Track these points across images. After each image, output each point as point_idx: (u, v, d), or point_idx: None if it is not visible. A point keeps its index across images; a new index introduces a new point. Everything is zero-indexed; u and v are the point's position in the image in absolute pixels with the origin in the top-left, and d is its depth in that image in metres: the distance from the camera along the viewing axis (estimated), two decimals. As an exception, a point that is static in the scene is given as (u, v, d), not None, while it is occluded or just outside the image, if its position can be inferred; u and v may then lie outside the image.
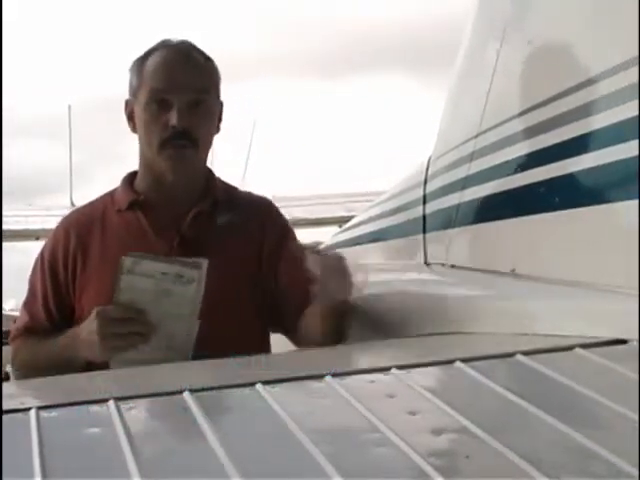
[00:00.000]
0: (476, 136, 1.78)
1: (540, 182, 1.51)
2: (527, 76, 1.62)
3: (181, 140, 1.74)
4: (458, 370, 1.13)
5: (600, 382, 1.03)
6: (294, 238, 1.96)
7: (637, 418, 0.89)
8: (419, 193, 2.18)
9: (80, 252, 1.81)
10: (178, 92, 1.75)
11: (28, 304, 1.89)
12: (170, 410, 1.06)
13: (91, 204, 1.94)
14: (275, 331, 1.87)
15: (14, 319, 1.98)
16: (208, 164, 1.93)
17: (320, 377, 1.12)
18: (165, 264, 1.64)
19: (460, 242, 1.88)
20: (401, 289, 2.06)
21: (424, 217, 2.12)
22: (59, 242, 1.85)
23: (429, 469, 0.81)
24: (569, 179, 1.43)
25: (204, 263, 1.63)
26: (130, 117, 1.83)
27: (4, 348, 1.94)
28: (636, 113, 1.24)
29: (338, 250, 1.98)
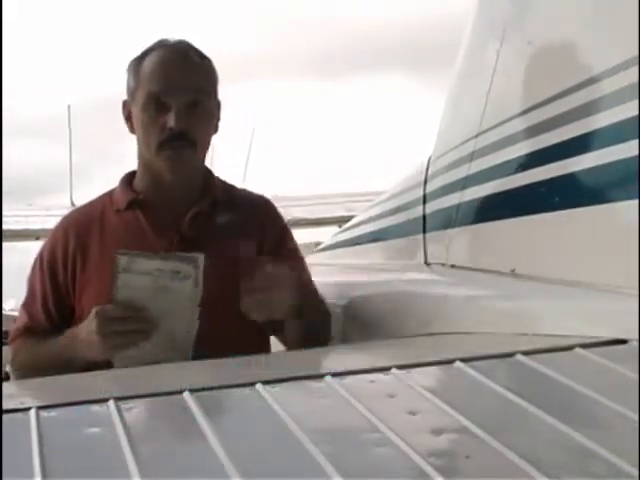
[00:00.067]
0: (476, 136, 1.78)
1: (540, 182, 1.51)
2: (527, 76, 1.62)
3: (179, 141, 1.74)
4: (458, 370, 1.13)
5: (600, 382, 1.03)
6: (292, 238, 1.98)
7: (637, 418, 0.89)
8: (419, 193, 2.18)
9: (79, 252, 1.81)
10: (176, 93, 1.74)
11: (27, 304, 1.89)
12: (170, 410, 1.06)
13: (90, 204, 1.94)
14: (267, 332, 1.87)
15: (14, 319, 1.98)
16: (208, 165, 1.94)
17: (320, 377, 1.12)
18: (161, 261, 1.63)
19: (460, 242, 1.88)
20: (401, 289, 2.06)
21: (424, 217, 2.12)
22: (58, 242, 1.85)
23: (429, 469, 0.81)
24: (569, 179, 1.43)
25: (200, 258, 1.63)
26: (128, 118, 1.83)
27: (4, 348, 1.94)
28: (636, 113, 1.24)
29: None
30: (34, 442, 0.91)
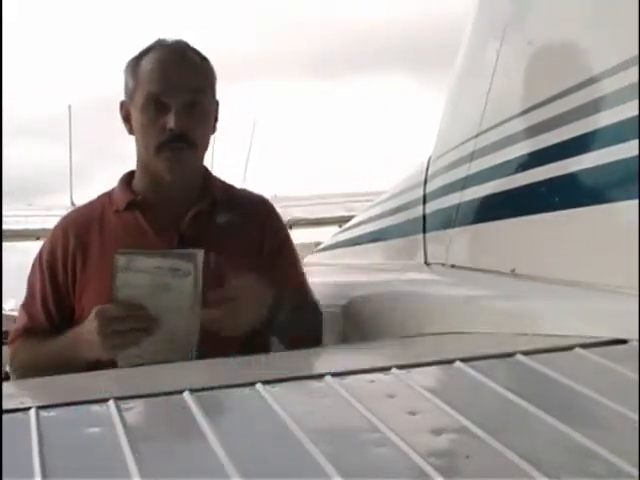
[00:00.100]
0: (476, 136, 1.78)
1: (540, 182, 1.51)
2: (527, 76, 1.62)
3: (179, 142, 1.75)
4: (458, 370, 1.13)
5: (600, 382, 1.03)
6: (290, 239, 1.99)
7: (637, 418, 0.89)
8: (419, 193, 2.17)
9: (79, 252, 1.81)
10: (175, 94, 1.74)
11: (27, 305, 1.89)
12: (170, 410, 1.06)
13: (89, 204, 1.94)
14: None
15: (14, 319, 1.98)
16: (208, 165, 1.94)
17: (320, 377, 1.12)
18: (159, 258, 1.63)
19: (460, 242, 1.88)
20: (401, 289, 2.06)
21: (424, 217, 2.12)
22: (58, 242, 1.84)
23: (429, 469, 0.81)
24: (569, 179, 1.43)
25: (199, 254, 1.62)
26: (126, 119, 1.83)
27: (4, 348, 1.94)
28: (636, 113, 1.24)
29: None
30: (34, 442, 0.91)
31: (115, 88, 1.86)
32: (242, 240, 1.84)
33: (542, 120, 1.51)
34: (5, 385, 1.39)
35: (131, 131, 1.82)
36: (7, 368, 1.99)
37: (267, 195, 2.21)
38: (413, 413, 0.98)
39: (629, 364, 1.06)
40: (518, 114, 1.61)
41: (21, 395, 1.23)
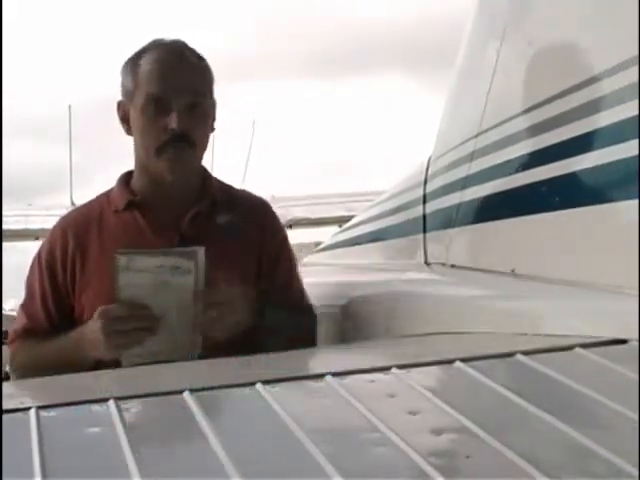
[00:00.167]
0: (476, 136, 1.78)
1: (540, 182, 1.51)
2: (527, 76, 1.62)
3: (180, 143, 1.75)
4: (458, 370, 1.13)
5: (600, 382, 1.03)
6: (288, 241, 2.01)
7: (637, 418, 0.89)
8: (419, 193, 2.17)
9: (79, 253, 1.81)
10: (176, 95, 1.74)
11: (26, 305, 1.89)
12: (170, 410, 1.06)
13: (87, 204, 1.94)
14: None
15: (14, 319, 1.97)
16: (208, 166, 1.94)
17: (320, 377, 1.12)
18: (160, 257, 1.63)
19: (460, 242, 1.88)
20: (401, 289, 2.06)
21: (424, 217, 2.12)
22: (57, 242, 1.84)
23: (429, 469, 0.81)
24: (569, 179, 1.43)
25: (200, 252, 1.63)
26: (124, 119, 1.82)
27: (4, 348, 1.94)
28: (636, 113, 1.24)
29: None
30: (34, 442, 0.91)
31: (115, 88, 1.86)
32: (241, 241, 1.84)
33: (542, 120, 1.51)
34: (5, 385, 1.39)
35: (129, 131, 1.82)
36: (7, 368, 1.99)
37: (266, 195, 2.21)
38: (413, 413, 0.98)
39: (629, 364, 1.06)
40: (518, 114, 1.61)
41: (21, 395, 1.23)
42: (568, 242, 1.45)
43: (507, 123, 1.65)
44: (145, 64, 1.78)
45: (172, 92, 1.74)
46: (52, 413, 1.03)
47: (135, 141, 1.81)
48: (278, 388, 1.08)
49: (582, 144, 1.39)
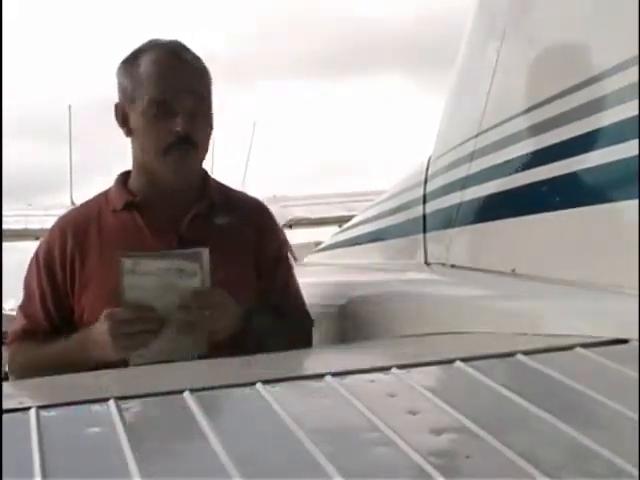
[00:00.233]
0: (476, 136, 1.78)
1: (540, 182, 1.51)
2: (527, 75, 1.62)
3: (185, 145, 1.75)
4: (458, 370, 1.13)
5: (600, 382, 1.03)
6: (285, 243, 2.01)
7: (637, 418, 0.89)
8: (419, 193, 2.17)
9: (78, 252, 1.81)
10: (180, 98, 1.74)
11: (24, 306, 1.88)
12: (170, 410, 1.06)
13: (85, 204, 1.94)
14: None
15: (14, 319, 1.97)
16: (208, 166, 1.94)
17: (320, 376, 1.12)
18: (165, 260, 1.64)
19: (460, 242, 1.88)
20: (401, 289, 2.06)
21: (424, 217, 2.12)
22: (55, 243, 1.84)
23: (429, 469, 0.81)
24: (569, 179, 1.43)
25: (204, 253, 1.63)
26: (124, 121, 1.81)
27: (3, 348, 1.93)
28: (636, 113, 1.24)
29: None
30: (34, 442, 0.91)
31: (115, 88, 1.85)
32: (239, 242, 1.84)
33: (542, 120, 1.51)
34: (5, 385, 1.39)
35: (129, 133, 1.81)
36: (6, 369, 1.99)
37: (266, 195, 2.22)
38: (413, 413, 0.98)
39: (629, 364, 1.06)
40: (518, 114, 1.61)
41: (21, 395, 1.23)
42: (568, 242, 1.45)
43: (507, 123, 1.65)
44: (146, 66, 1.77)
45: (176, 95, 1.74)
46: (52, 413, 1.03)
47: (136, 143, 1.81)
48: (278, 388, 1.08)
49: (582, 144, 1.39)
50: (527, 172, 1.56)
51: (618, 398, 0.95)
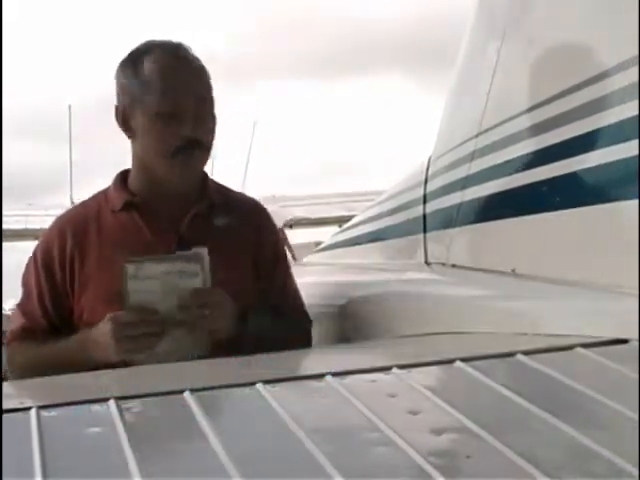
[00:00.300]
0: (477, 135, 1.78)
1: (541, 181, 1.51)
2: (528, 75, 1.62)
3: (193, 148, 1.76)
4: (459, 370, 1.13)
5: (601, 382, 1.03)
6: (283, 244, 2.02)
7: (637, 418, 0.89)
8: (419, 192, 2.17)
9: (77, 252, 1.80)
10: (187, 101, 1.74)
11: (23, 305, 1.88)
12: (171, 410, 1.06)
13: (84, 203, 1.94)
14: None
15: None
16: (209, 167, 1.94)
17: (321, 376, 1.12)
18: (167, 263, 1.65)
19: (461, 242, 1.88)
20: (402, 289, 2.06)
21: (424, 217, 2.12)
22: (54, 242, 1.83)
23: (430, 468, 0.81)
24: (570, 179, 1.43)
25: (204, 253, 1.65)
26: (125, 123, 1.80)
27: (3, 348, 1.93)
28: (636, 113, 1.24)
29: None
30: (34, 442, 0.91)
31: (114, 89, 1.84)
32: (238, 242, 1.84)
33: (543, 120, 1.51)
34: (5, 385, 1.39)
35: (132, 136, 1.81)
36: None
37: (267, 195, 2.22)
38: (414, 413, 0.98)
39: (629, 364, 1.06)
40: (519, 114, 1.61)
41: (21, 395, 1.23)
42: (568, 242, 1.45)
43: (507, 123, 1.65)
44: (150, 68, 1.76)
45: (182, 98, 1.74)
46: (53, 413, 1.03)
47: (139, 144, 1.80)
48: (278, 388, 1.08)
49: (582, 144, 1.39)
50: (527, 172, 1.56)
51: (618, 398, 0.95)
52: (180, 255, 1.68)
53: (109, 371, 1.52)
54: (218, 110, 1.86)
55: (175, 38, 1.83)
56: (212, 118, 1.81)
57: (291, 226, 7.23)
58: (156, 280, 1.63)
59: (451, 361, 1.16)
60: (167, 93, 1.74)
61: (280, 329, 1.79)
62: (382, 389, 1.09)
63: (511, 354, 1.16)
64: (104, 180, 1.94)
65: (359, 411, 0.98)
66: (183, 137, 1.73)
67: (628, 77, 1.27)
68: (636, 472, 0.78)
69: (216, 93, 1.84)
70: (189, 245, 1.72)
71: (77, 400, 1.08)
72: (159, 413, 1.07)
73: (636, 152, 1.23)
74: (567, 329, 1.26)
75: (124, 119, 1.80)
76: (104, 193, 1.90)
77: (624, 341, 1.15)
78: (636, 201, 1.22)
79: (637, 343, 1.12)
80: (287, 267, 1.97)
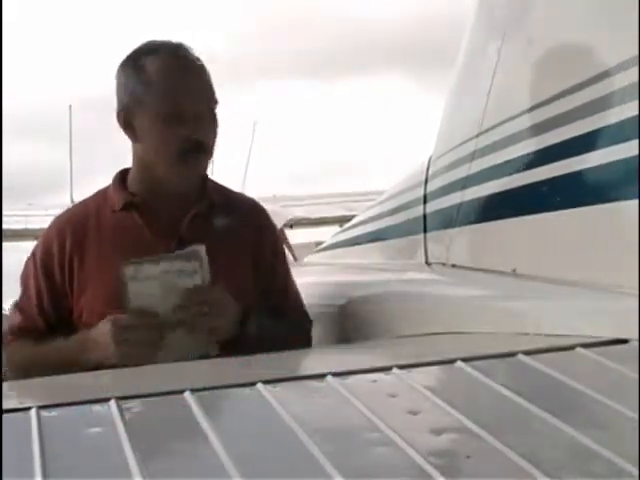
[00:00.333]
0: (477, 135, 1.78)
1: (541, 181, 1.51)
2: (528, 75, 1.62)
3: (198, 151, 1.76)
4: (459, 370, 1.13)
5: (601, 382, 1.03)
6: (282, 244, 2.01)
7: (637, 418, 0.89)
8: (420, 193, 2.17)
9: (77, 252, 1.80)
10: (194, 104, 1.75)
11: (21, 305, 1.87)
12: (171, 410, 1.06)
13: (83, 203, 1.93)
14: None
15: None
16: (209, 167, 1.94)
17: (321, 377, 1.12)
18: (165, 263, 1.64)
19: (461, 242, 1.88)
20: (402, 289, 2.06)
21: (425, 217, 2.12)
22: (53, 242, 1.83)
23: (430, 468, 0.81)
24: (570, 179, 1.43)
25: (202, 250, 1.64)
26: (127, 124, 1.79)
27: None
28: (636, 113, 1.24)
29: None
30: (35, 442, 0.91)
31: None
32: (238, 242, 1.84)
33: (543, 119, 1.51)
34: (5, 385, 1.39)
35: (136, 138, 1.80)
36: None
37: (267, 195, 2.22)
38: (414, 413, 0.98)
39: (629, 364, 1.06)
40: (519, 114, 1.61)
41: (22, 395, 1.23)
42: (568, 242, 1.45)
43: (508, 123, 1.65)
44: (154, 70, 1.75)
45: (187, 100, 1.74)
46: (53, 413, 1.03)
47: (141, 145, 1.79)
48: (279, 388, 1.08)
49: (583, 144, 1.39)
50: (527, 172, 1.56)
51: (618, 398, 0.95)
52: (178, 254, 1.67)
53: (109, 371, 1.52)
54: (219, 110, 1.86)
55: (175, 38, 1.83)
56: (214, 119, 1.81)
57: (291, 226, 7.22)
58: (155, 280, 1.63)
59: (451, 361, 1.16)
60: (170, 94, 1.74)
61: (280, 329, 1.79)
62: (382, 389, 1.09)
63: (511, 354, 1.16)
64: (104, 180, 1.93)
65: (359, 411, 0.98)
66: (186, 138, 1.73)
67: (628, 77, 1.27)
68: (636, 472, 0.78)
69: (217, 93, 1.85)
70: (189, 245, 1.72)
71: (77, 400, 1.08)
72: (159, 413, 1.07)
73: (636, 152, 1.23)
74: (567, 329, 1.26)
75: (125, 120, 1.79)
76: (103, 192, 1.89)
77: (624, 341, 1.15)
78: (636, 201, 1.22)
79: (637, 343, 1.12)
80: (287, 267, 1.97)
